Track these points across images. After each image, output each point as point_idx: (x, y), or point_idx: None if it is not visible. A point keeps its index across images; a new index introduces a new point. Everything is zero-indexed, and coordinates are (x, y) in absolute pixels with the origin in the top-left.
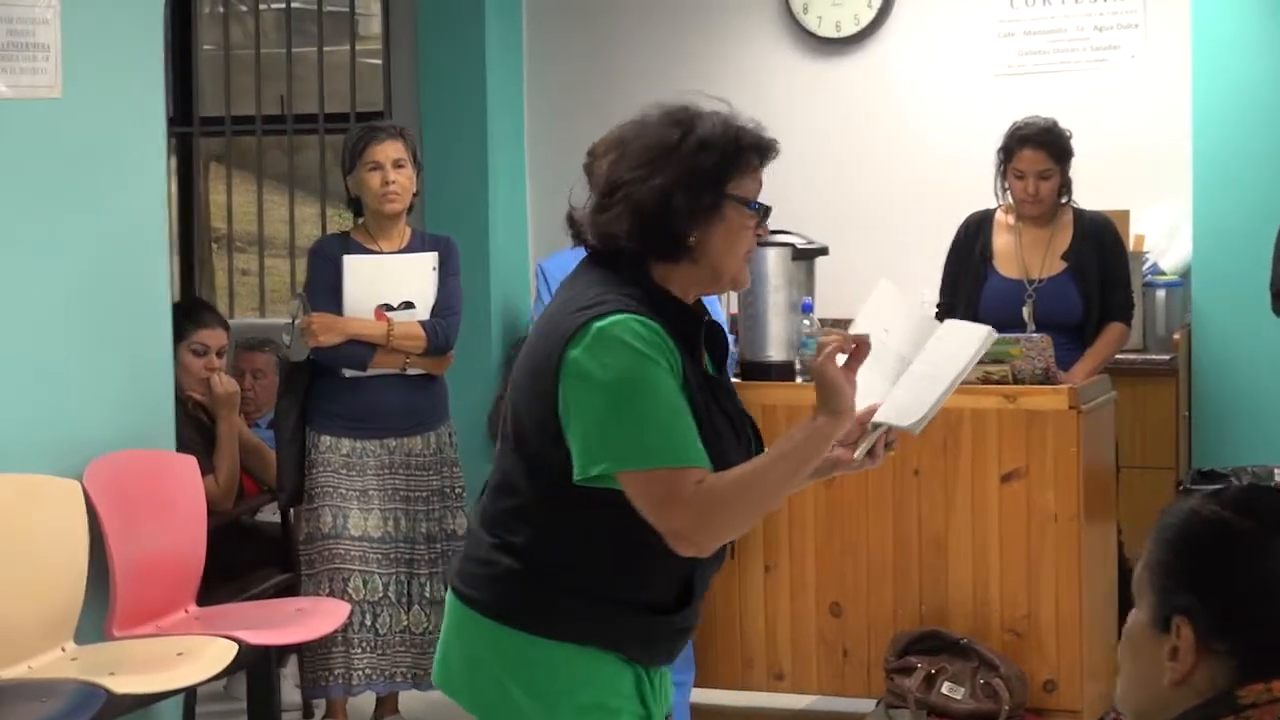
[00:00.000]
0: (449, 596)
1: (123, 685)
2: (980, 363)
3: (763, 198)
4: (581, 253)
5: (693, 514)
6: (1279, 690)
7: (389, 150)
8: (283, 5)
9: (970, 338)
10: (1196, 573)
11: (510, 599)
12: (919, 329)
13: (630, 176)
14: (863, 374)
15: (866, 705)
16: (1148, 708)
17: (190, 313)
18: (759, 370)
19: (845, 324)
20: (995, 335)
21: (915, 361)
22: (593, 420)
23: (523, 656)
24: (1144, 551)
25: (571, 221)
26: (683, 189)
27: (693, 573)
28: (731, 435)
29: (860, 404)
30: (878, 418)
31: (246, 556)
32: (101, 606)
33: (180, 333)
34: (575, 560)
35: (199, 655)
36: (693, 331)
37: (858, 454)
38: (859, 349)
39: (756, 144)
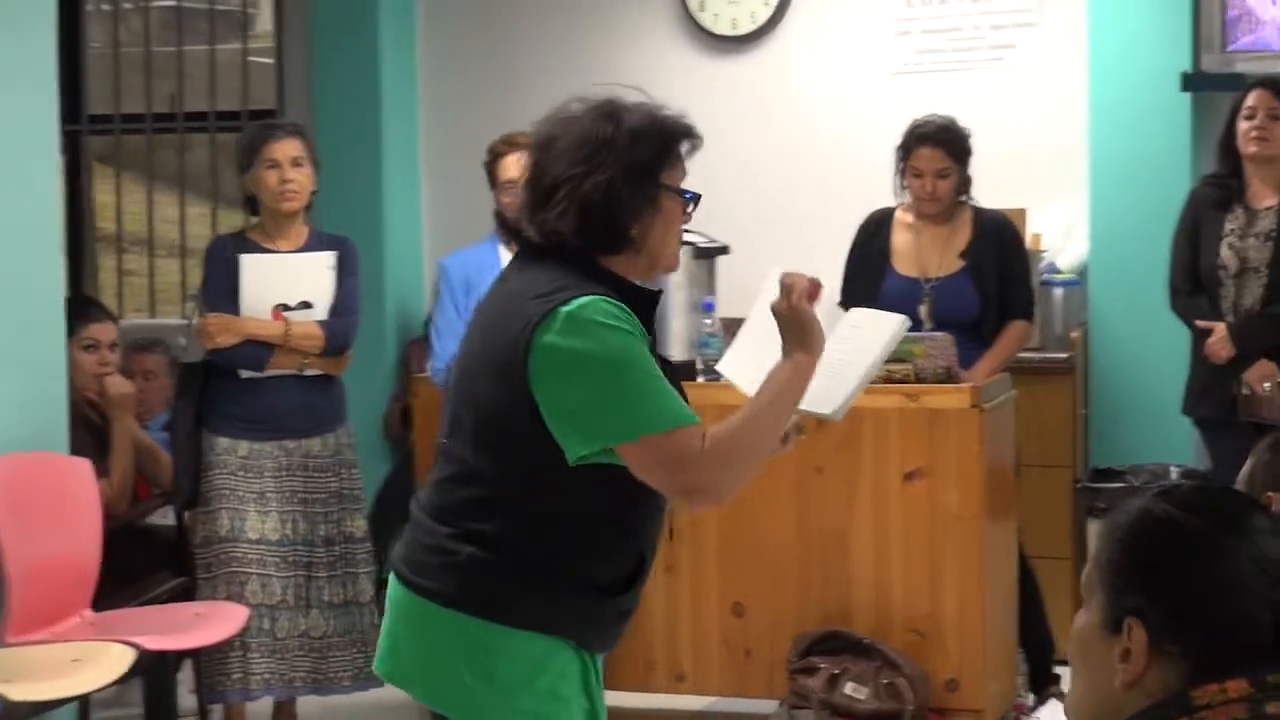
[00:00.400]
0: (396, 588)
1: (17, 693)
2: None
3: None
4: (487, 248)
5: (709, 466)
6: (1233, 691)
7: (287, 148)
8: (172, 3)
9: (884, 326)
10: (1148, 573)
11: (471, 587)
12: (822, 316)
13: (571, 173)
14: (767, 361)
15: (769, 706)
16: (1099, 710)
17: (77, 309)
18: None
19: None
20: (909, 323)
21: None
22: (583, 400)
23: (482, 644)
24: (1094, 551)
25: (502, 221)
26: (624, 183)
27: (644, 551)
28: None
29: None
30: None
31: (141, 560)
32: None
33: (69, 330)
34: (541, 545)
35: (96, 661)
36: (649, 312)
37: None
38: (816, 291)
39: (685, 132)
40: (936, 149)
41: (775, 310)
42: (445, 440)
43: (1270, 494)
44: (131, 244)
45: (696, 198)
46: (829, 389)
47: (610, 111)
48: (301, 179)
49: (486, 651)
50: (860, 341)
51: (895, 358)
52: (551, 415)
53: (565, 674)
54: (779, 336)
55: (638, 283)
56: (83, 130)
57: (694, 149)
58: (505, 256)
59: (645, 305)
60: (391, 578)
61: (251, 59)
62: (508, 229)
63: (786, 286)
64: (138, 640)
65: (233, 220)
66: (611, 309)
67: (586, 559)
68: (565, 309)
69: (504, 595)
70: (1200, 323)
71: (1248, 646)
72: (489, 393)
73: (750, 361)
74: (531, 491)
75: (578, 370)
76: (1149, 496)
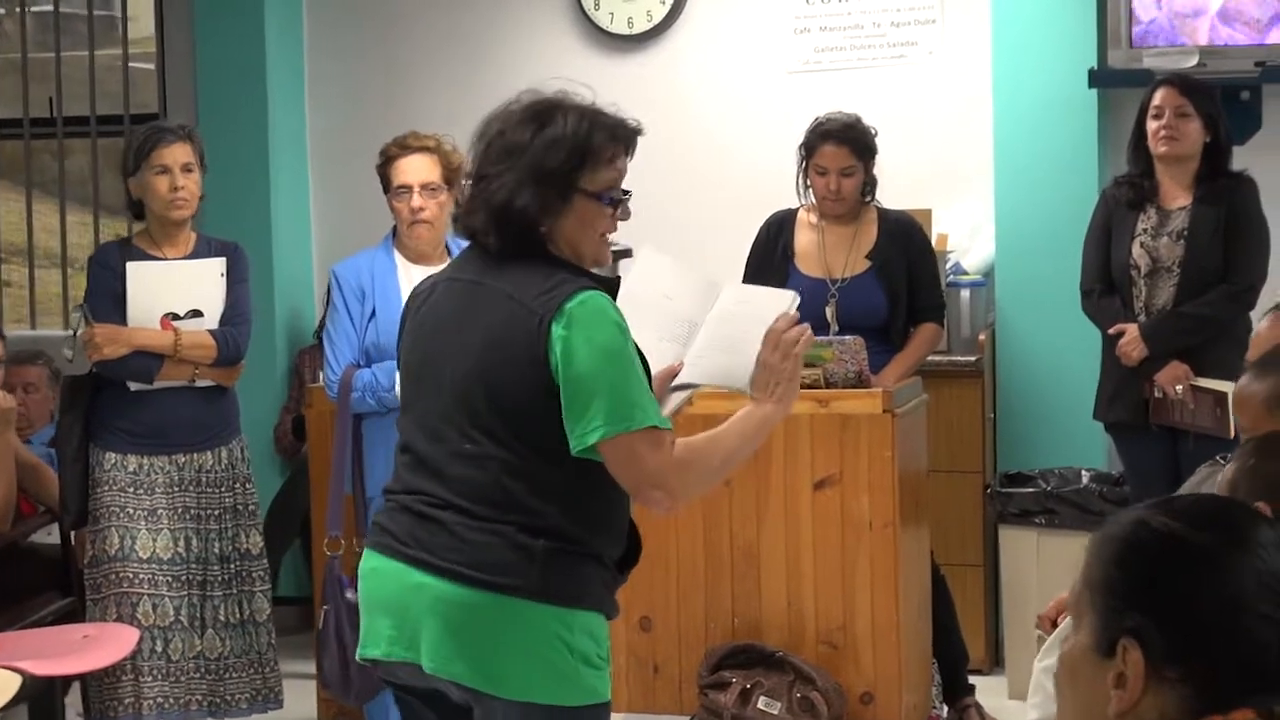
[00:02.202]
0: (452, 589)
1: None
2: None
3: None
4: (381, 254)
5: (676, 468)
6: None
7: (177, 154)
8: (49, 7)
9: (778, 302)
10: (1147, 592)
11: (551, 577)
12: (701, 292)
13: (489, 172)
14: (649, 339)
15: None
16: None
17: None
18: None
19: None
20: (799, 299)
21: (710, 324)
22: (591, 391)
23: (565, 626)
24: (1082, 567)
25: (455, 217)
26: (528, 186)
27: (633, 526)
28: None
29: (656, 367)
30: (687, 378)
31: (26, 581)
32: None
33: None
34: (590, 529)
35: None
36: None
37: (666, 411)
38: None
39: (611, 136)
40: (841, 146)
41: (764, 360)
42: (467, 446)
43: (1261, 503)
44: (10, 254)
45: (614, 201)
46: (733, 364)
47: (538, 113)
48: (191, 186)
49: (569, 631)
50: (752, 318)
51: (805, 362)
52: (566, 406)
53: (605, 642)
54: (665, 321)
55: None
56: None
57: (626, 150)
58: (400, 262)
59: (609, 293)
60: (433, 579)
61: (133, 65)
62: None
63: (786, 341)
64: (22, 665)
65: (116, 228)
66: (608, 305)
67: (615, 539)
68: (570, 304)
69: (576, 579)
70: (1113, 328)
71: (1254, 673)
72: (514, 388)
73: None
74: (573, 477)
75: (583, 364)
76: (1144, 508)
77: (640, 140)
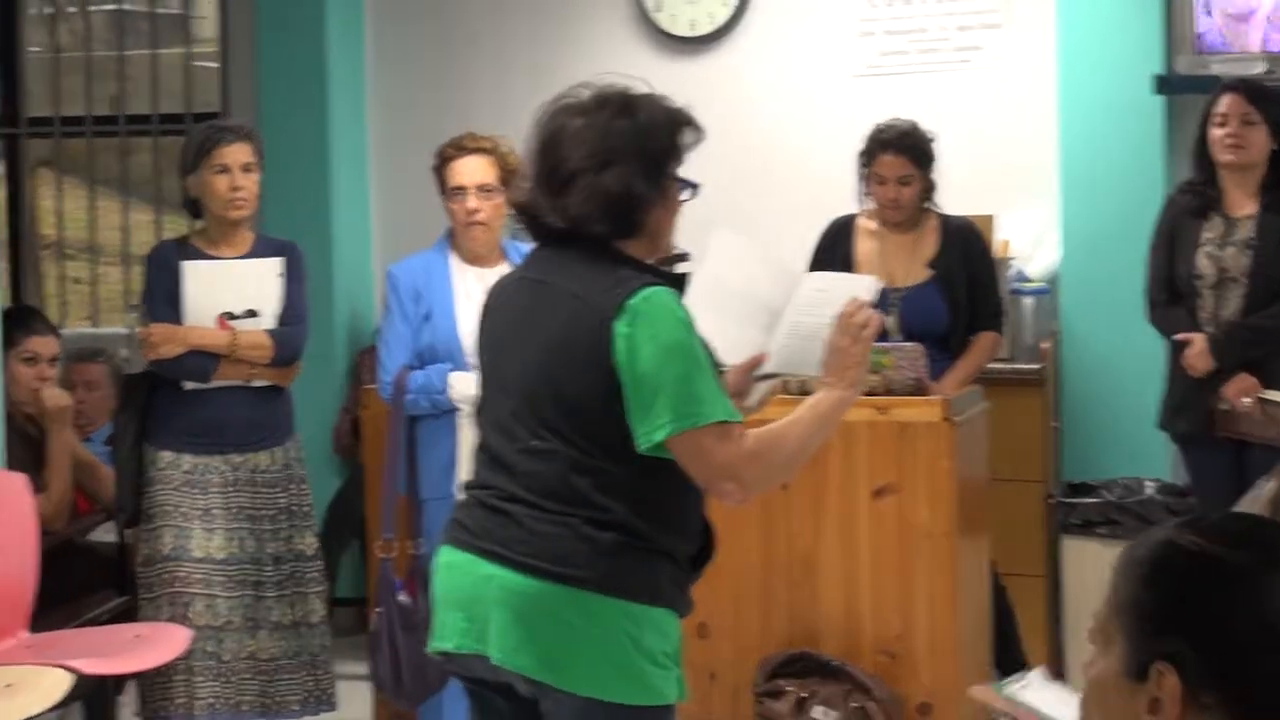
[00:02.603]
0: (519, 580)
1: None
2: None
3: None
4: (435, 255)
5: (746, 460)
6: None
7: (238, 154)
8: (113, 6)
9: (857, 287)
10: (1184, 614)
11: (619, 570)
12: (780, 278)
13: (588, 164)
14: (733, 326)
15: None
16: None
17: (19, 320)
18: None
19: None
20: (880, 285)
21: (790, 312)
22: (655, 388)
23: (633, 621)
24: (1111, 590)
25: (521, 211)
26: (639, 174)
27: (708, 525)
28: None
29: (738, 356)
30: (772, 368)
31: (80, 580)
32: None
33: (8, 341)
34: (658, 525)
35: (31, 687)
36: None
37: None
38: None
39: (692, 124)
40: (899, 155)
41: (836, 344)
42: (533, 442)
43: None
44: (76, 250)
45: (696, 187)
46: (808, 351)
47: (626, 104)
48: (251, 186)
49: (637, 627)
50: (832, 303)
51: None
52: (631, 403)
53: (676, 642)
54: (749, 307)
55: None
56: (21, 134)
57: (697, 140)
58: (456, 263)
59: (678, 289)
60: (502, 570)
61: (196, 63)
62: (523, 218)
63: (854, 325)
64: (75, 664)
65: (178, 226)
66: (672, 301)
67: (687, 536)
68: (633, 301)
69: (645, 574)
70: (1179, 335)
71: None
72: (578, 386)
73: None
74: (640, 474)
75: (648, 361)
76: (1172, 527)
77: (703, 144)
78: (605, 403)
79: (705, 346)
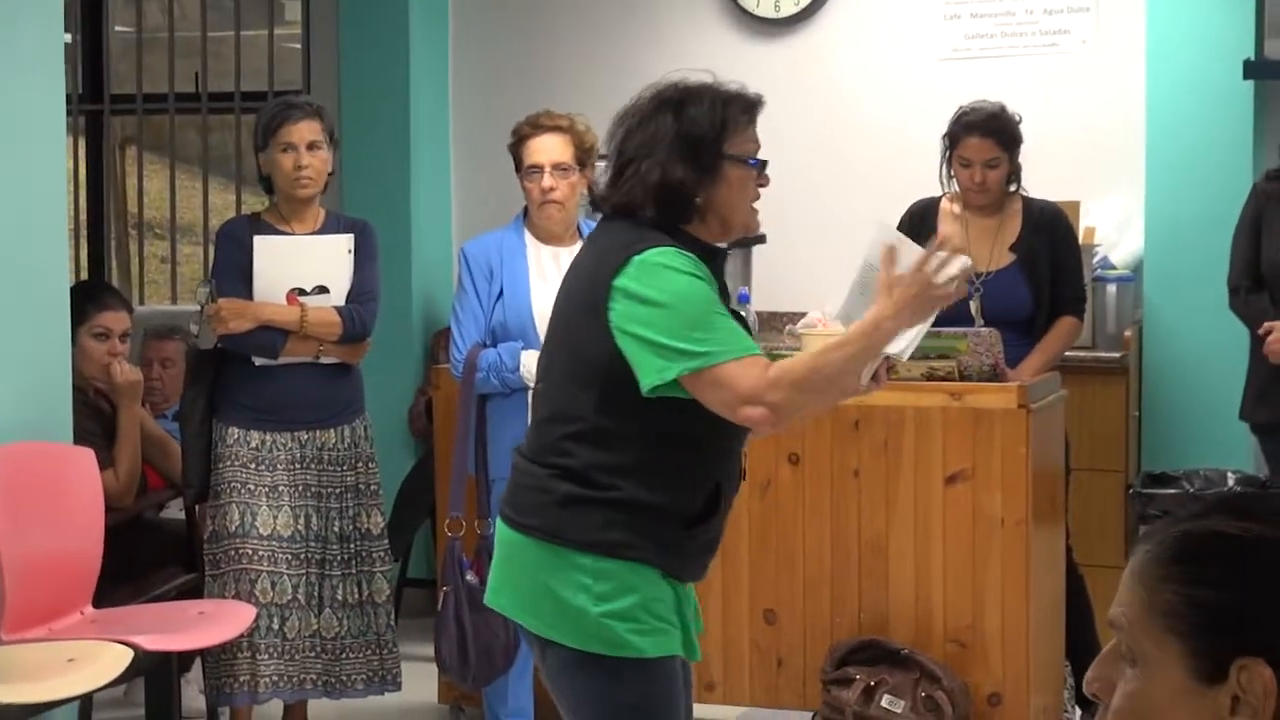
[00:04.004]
0: (503, 529)
1: (7, 694)
2: (925, 357)
3: None
4: (511, 233)
5: (772, 384)
6: None
7: (304, 131)
8: None
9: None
10: (1259, 603)
11: (568, 521)
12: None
13: (636, 154)
14: (859, 308)
15: (802, 718)
16: None
17: (91, 295)
18: None
19: (783, 317)
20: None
21: (863, 266)
22: (657, 333)
23: (582, 570)
24: (1143, 600)
25: (592, 194)
26: (682, 161)
27: (720, 483)
28: None
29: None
30: (833, 315)
31: (148, 555)
32: None
33: (81, 316)
34: (627, 478)
35: (91, 662)
36: (718, 267)
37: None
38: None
39: (742, 104)
40: (985, 138)
41: (901, 275)
42: (540, 385)
43: None
44: (163, 229)
45: (763, 163)
46: (865, 304)
47: (669, 98)
48: (317, 164)
49: (591, 578)
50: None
51: (939, 354)
52: (629, 350)
53: (657, 599)
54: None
55: (709, 242)
56: (105, 110)
57: (755, 116)
58: (530, 242)
59: (713, 260)
60: (499, 521)
61: (279, 45)
62: (593, 198)
63: (932, 264)
64: (137, 640)
65: (258, 205)
66: (680, 256)
67: (667, 490)
68: (639, 257)
69: (597, 526)
70: (1262, 326)
71: None
72: (578, 336)
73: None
74: (616, 426)
75: (649, 308)
76: (1197, 520)
77: (787, 125)
78: (597, 355)
79: (705, 294)
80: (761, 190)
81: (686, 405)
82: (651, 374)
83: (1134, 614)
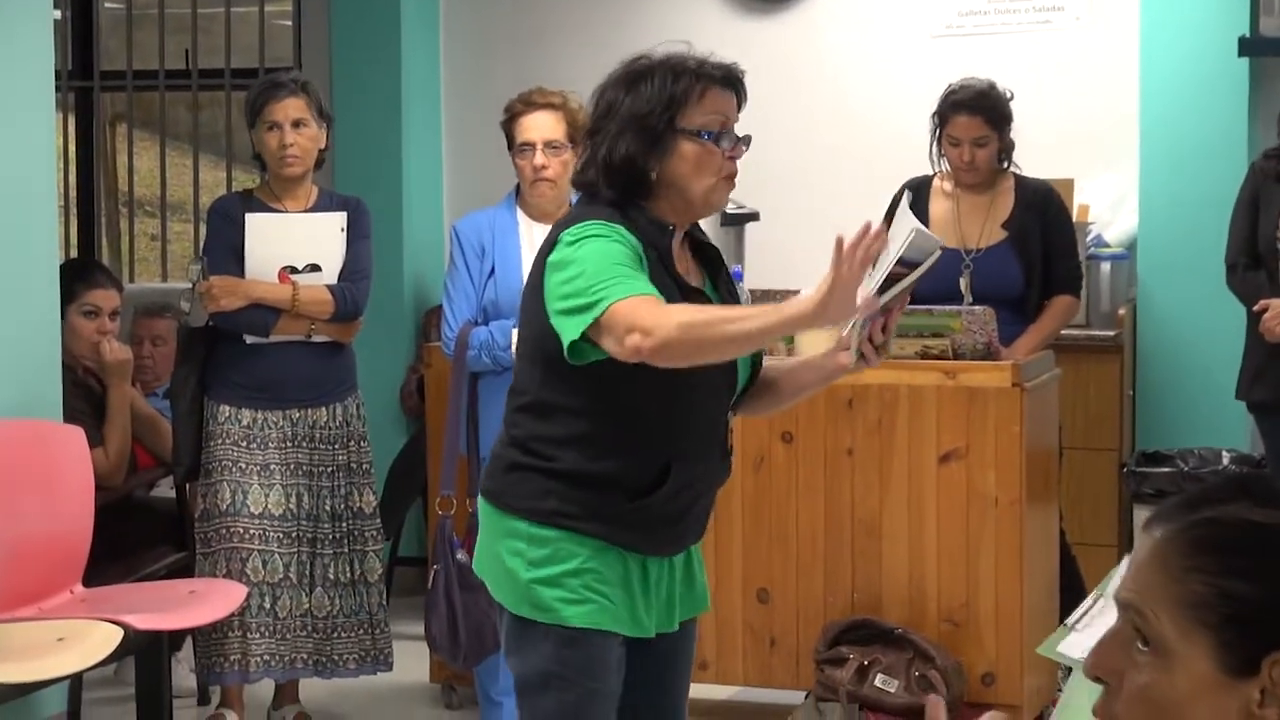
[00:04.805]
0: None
1: None
2: (919, 335)
3: None
4: (503, 211)
5: (654, 314)
6: None
7: (289, 109)
8: None
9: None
10: None
11: (511, 486)
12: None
13: (594, 131)
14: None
15: (795, 697)
16: None
17: (80, 273)
18: None
19: (778, 295)
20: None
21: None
22: (565, 298)
23: (521, 536)
24: (1156, 587)
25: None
26: (633, 137)
27: (671, 458)
28: None
29: None
30: None
31: (138, 534)
32: None
33: (70, 294)
34: (565, 446)
35: (81, 641)
36: (662, 240)
37: (852, 361)
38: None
39: (699, 75)
40: (973, 116)
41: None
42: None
43: None
44: (153, 207)
45: (717, 136)
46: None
47: (628, 72)
48: (303, 142)
49: (524, 542)
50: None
51: (932, 332)
52: (554, 321)
53: (596, 570)
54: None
55: (684, 222)
56: (95, 87)
57: (713, 85)
58: (522, 220)
59: (660, 234)
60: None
61: (270, 21)
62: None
63: (852, 248)
64: (127, 619)
65: (249, 182)
66: (603, 226)
67: (609, 461)
68: (565, 232)
69: (536, 493)
70: (1258, 304)
71: None
72: (529, 313)
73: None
74: (558, 399)
75: (563, 274)
76: (1219, 505)
77: (780, 102)
78: (539, 331)
79: (609, 250)
80: (734, 162)
81: (628, 376)
82: (565, 338)
83: (1154, 601)
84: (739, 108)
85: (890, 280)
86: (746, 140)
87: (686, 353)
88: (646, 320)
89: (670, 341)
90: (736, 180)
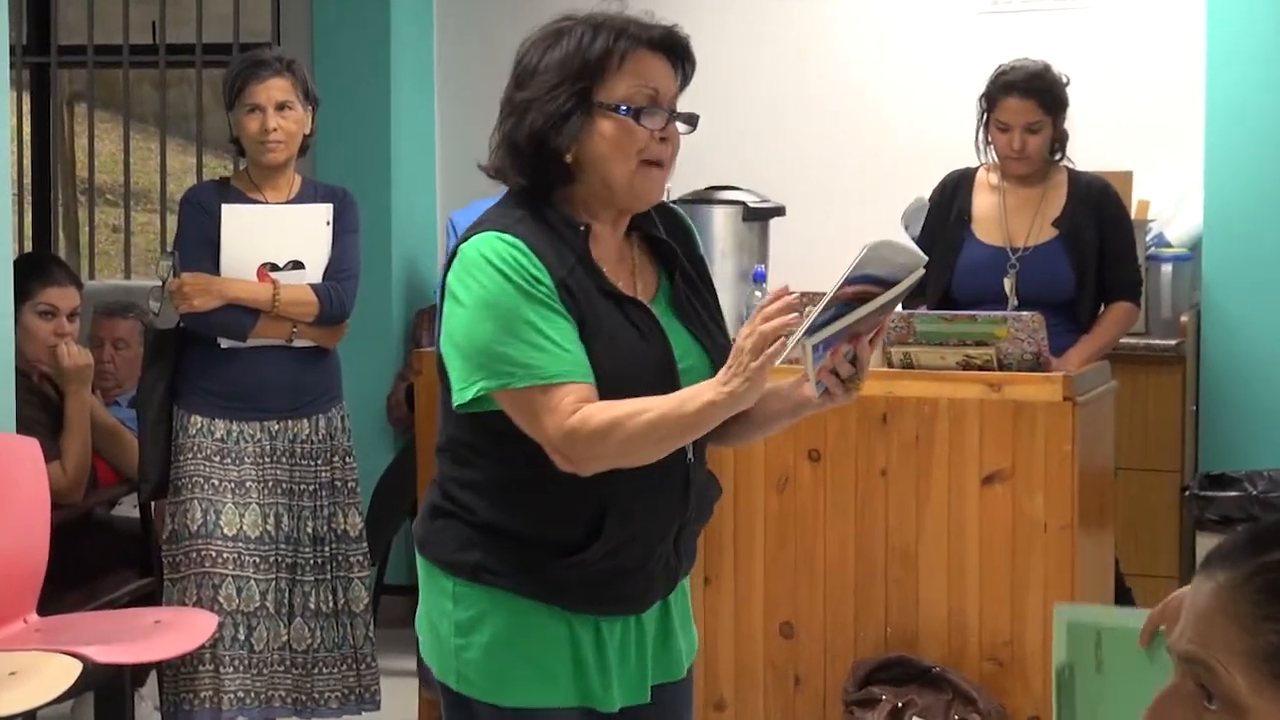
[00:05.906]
0: None
1: None
2: (961, 344)
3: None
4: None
5: (570, 435)
6: None
7: (272, 91)
8: None
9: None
10: None
11: (431, 537)
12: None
13: (502, 109)
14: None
15: None
16: None
17: (36, 269)
18: None
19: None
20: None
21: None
22: (461, 343)
23: (443, 592)
24: (1222, 639)
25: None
26: (540, 111)
27: (605, 510)
28: (642, 348)
29: None
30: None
31: (99, 557)
32: None
33: (24, 292)
34: (481, 493)
35: (35, 675)
36: (577, 243)
37: (811, 392)
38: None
39: (616, 36)
40: (1026, 99)
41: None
42: None
43: None
44: (114, 195)
45: (636, 111)
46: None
47: (544, 34)
48: (288, 126)
49: (451, 601)
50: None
51: (976, 340)
52: (445, 355)
53: (529, 636)
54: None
55: (614, 214)
56: (52, 63)
57: (637, 51)
58: None
59: (575, 237)
60: None
61: None
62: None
63: (762, 315)
64: (86, 652)
65: (222, 170)
66: (501, 247)
67: (529, 514)
68: (463, 246)
69: (458, 545)
70: None
71: None
72: (438, 342)
73: None
74: (468, 438)
75: (460, 313)
76: None
77: (811, 86)
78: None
79: (517, 305)
80: (666, 145)
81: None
82: (456, 386)
83: (1223, 654)
84: (681, 80)
85: (853, 303)
86: (688, 119)
87: (618, 464)
88: (565, 447)
89: (601, 466)
90: (761, 170)
